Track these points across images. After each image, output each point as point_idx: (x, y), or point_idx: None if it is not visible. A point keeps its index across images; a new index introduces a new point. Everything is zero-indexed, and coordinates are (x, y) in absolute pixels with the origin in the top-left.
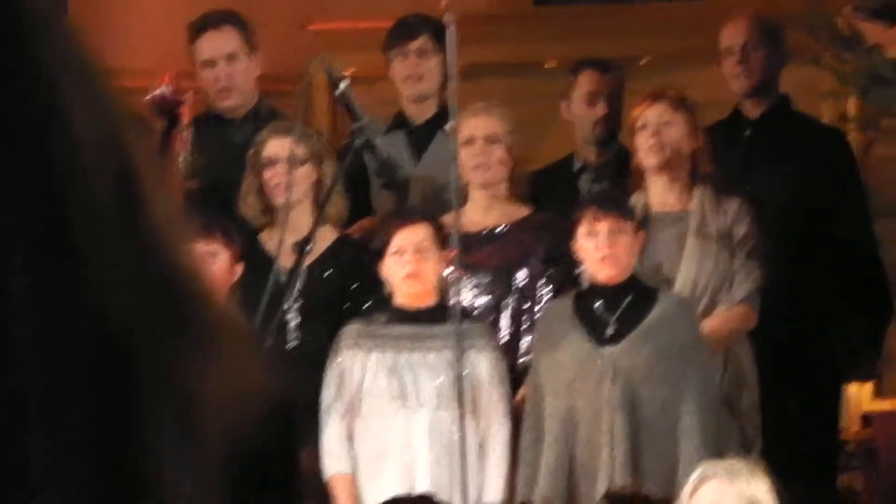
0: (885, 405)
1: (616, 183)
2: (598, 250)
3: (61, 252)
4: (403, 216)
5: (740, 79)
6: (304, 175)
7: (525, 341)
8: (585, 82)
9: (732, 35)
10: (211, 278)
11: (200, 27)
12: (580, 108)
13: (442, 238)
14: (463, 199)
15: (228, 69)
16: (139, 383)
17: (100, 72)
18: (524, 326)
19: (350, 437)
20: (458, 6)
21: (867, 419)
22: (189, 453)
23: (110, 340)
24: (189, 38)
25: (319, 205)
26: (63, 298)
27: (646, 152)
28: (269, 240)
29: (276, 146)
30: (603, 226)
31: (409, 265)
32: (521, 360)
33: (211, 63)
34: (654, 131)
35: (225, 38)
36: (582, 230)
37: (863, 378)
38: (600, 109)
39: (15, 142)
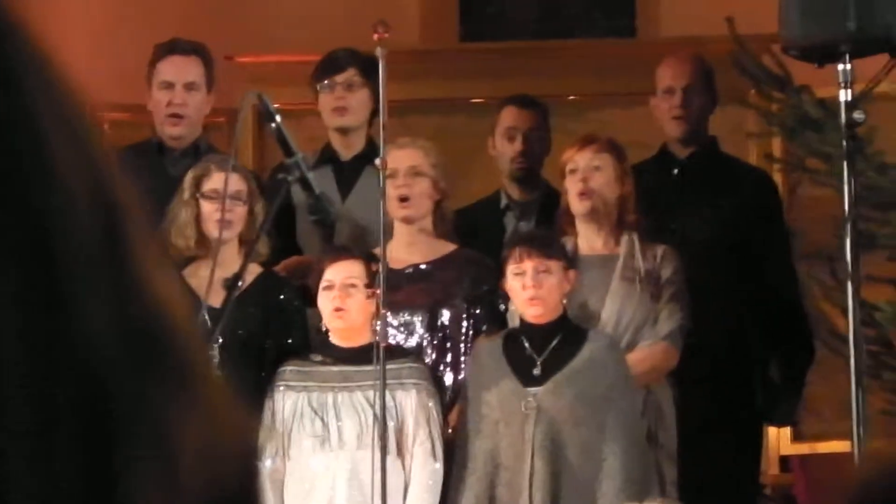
0: (802, 448)
1: (542, 222)
2: (526, 290)
3: (50, 300)
4: (336, 251)
5: (679, 123)
6: (241, 211)
7: (448, 380)
8: (506, 117)
9: (674, 76)
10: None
11: (168, 50)
12: (501, 143)
13: (372, 276)
14: (390, 236)
15: (184, 96)
16: (123, 431)
17: (83, 111)
18: (448, 365)
19: (281, 479)
20: (385, 41)
21: (785, 462)
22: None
23: (96, 389)
24: (152, 58)
25: (250, 241)
26: (51, 347)
27: (574, 197)
28: (192, 276)
29: (221, 180)
30: (529, 265)
31: (335, 300)
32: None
33: (169, 85)
34: (583, 176)
35: (189, 66)
36: (510, 269)
37: (784, 422)
38: (518, 144)
39: (1, 190)
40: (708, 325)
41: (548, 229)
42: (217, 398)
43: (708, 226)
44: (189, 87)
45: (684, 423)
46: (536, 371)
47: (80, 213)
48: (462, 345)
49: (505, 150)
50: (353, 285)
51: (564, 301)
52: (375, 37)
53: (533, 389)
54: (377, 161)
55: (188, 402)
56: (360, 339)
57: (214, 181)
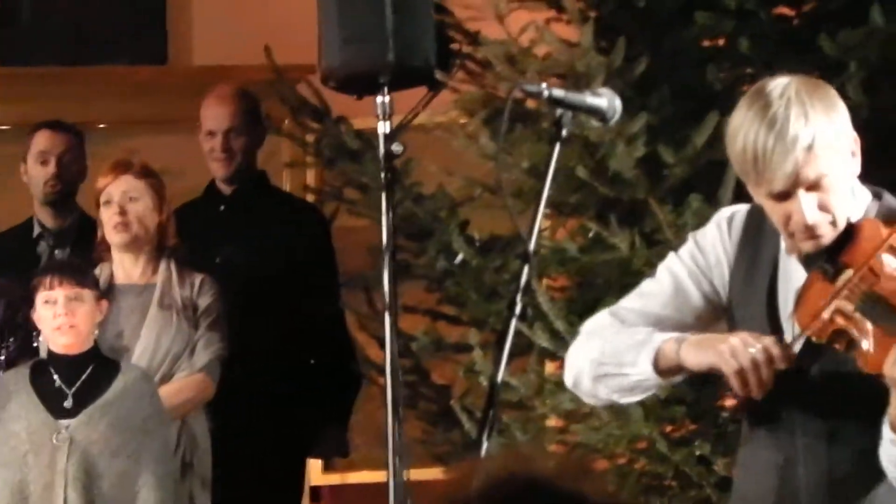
0: (334, 479)
1: (78, 250)
2: (56, 318)
3: None
4: None
5: (220, 164)
6: None
7: None
8: (38, 141)
9: (214, 119)
10: None
11: None
12: (33, 167)
13: None
14: None
15: None
16: None
17: None
18: None
19: None
20: None
21: (316, 493)
22: None
23: None
24: None
25: None
26: None
27: (111, 230)
28: None
29: None
30: (61, 293)
31: None
32: None
33: None
34: (118, 209)
35: None
36: (40, 297)
37: (333, 454)
38: (51, 168)
39: None
40: (251, 356)
41: (83, 257)
42: None
43: (253, 258)
44: None
45: (223, 454)
46: (68, 403)
47: None
48: None
49: (37, 174)
50: None
51: (96, 332)
52: None
53: (65, 421)
54: None
55: None
56: None
57: None
